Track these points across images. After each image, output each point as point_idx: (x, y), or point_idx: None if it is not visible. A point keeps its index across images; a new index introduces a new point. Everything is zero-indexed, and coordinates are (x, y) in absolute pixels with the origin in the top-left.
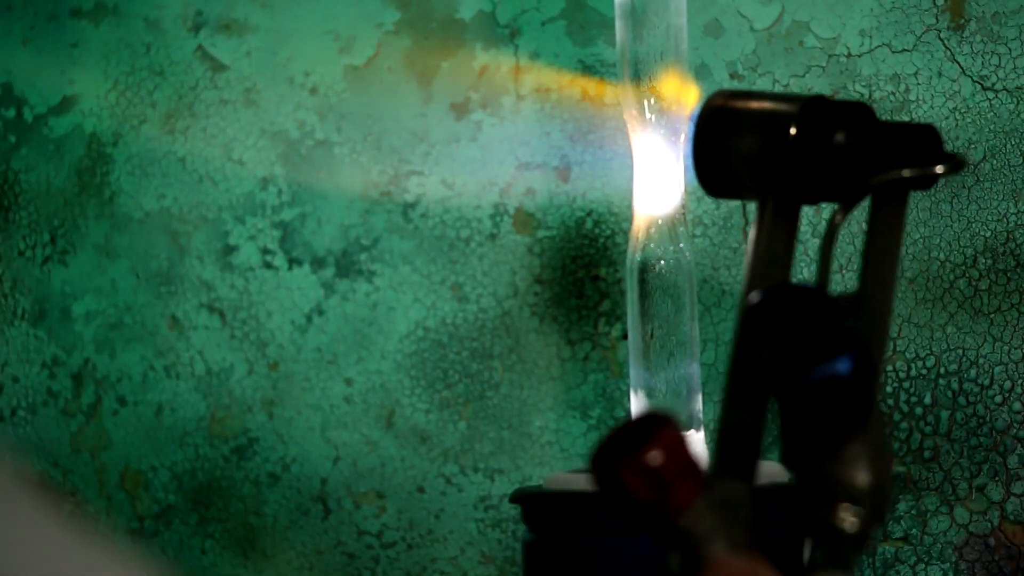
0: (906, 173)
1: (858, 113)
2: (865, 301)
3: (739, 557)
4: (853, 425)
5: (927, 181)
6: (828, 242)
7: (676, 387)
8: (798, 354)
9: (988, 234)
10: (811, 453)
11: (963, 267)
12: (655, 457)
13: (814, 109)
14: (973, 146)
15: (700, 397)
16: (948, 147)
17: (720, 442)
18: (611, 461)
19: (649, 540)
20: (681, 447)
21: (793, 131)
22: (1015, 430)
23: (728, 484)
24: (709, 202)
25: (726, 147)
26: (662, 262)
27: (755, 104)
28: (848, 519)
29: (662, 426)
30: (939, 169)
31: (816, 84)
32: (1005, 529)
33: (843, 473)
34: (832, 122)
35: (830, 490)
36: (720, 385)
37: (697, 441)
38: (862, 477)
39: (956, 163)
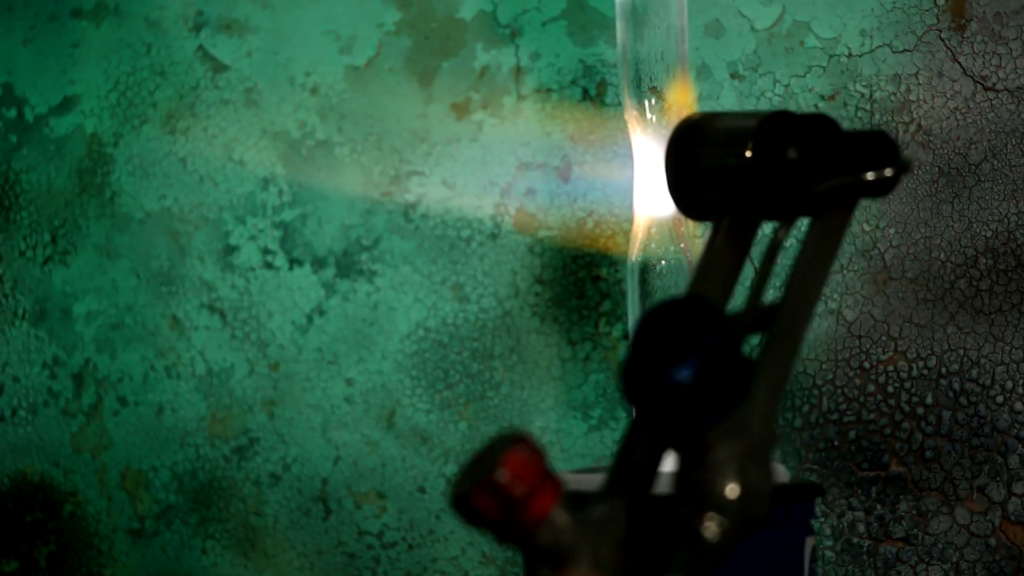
0: (837, 182)
1: (817, 127)
2: (783, 313)
3: (593, 573)
4: (692, 433)
5: (878, 188)
6: (768, 256)
7: None
8: (647, 364)
9: (989, 234)
10: (678, 460)
11: (964, 267)
12: (502, 476)
13: (771, 126)
14: (974, 146)
15: None
16: (903, 152)
17: (612, 460)
18: (462, 485)
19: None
20: (531, 465)
21: (748, 150)
22: (1016, 430)
23: (605, 502)
24: None
25: (692, 167)
26: (663, 262)
27: (720, 123)
28: (710, 528)
29: (511, 445)
30: (870, 176)
31: (817, 84)
32: (1006, 529)
33: (707, 480)
34: (786, 138)
35: (696, 497)
36: None
37: None
38: (729, 485)
39: (900, 168)
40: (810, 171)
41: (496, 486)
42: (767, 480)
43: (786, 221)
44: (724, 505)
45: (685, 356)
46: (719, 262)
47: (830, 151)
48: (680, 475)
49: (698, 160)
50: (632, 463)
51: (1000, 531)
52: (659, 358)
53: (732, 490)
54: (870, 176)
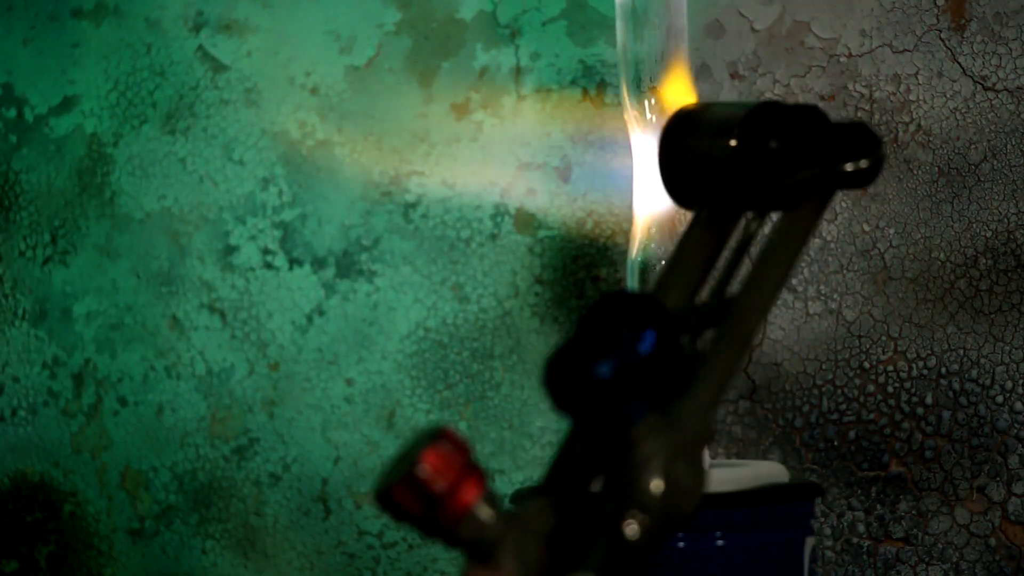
0: (807, 173)
1: (801, 117)
2: (735, 308)
3: (508, 566)
4: (614, 428)
5: (852, 180)
6: (738, 250)
7: None
8: (568, 359)
9: (989, 234)
10: (605, 455)
11: (964, 267)
12: (421, 471)
13: (758, 116)
14: (974, 146)
15: None
16: (883, 143)
17: (552, 456)
18: (385, 481)
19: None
20: (452, 460)
21: (733, 140)
22: (1016, 430)
23: (534, 499)
24: None
25: (682, 157)
26: (663, 262)
27: (710, 113)
28: (631, 526)
29: (432, 441)
30: (843, 167)
31: (816, 84)
32: (1006, 529)
33: (631, 476)
34: (760, 128)
35: (620, 493)
36: None
37: None
38: (653, 481)
39: (876, 160)
40: (783, 163)
41: (416, 481)
42: (696, 476)
43: (760, 214)
44: (647, 502)
45: (605, 350)
46: (691, 254)
47: (805, 142)
48: (606, 471)
49: (687, 150)
50: (569, 459)
51: (1000, 531)
52: (580, 353)
53: (656, 486)
54: (844, 168)
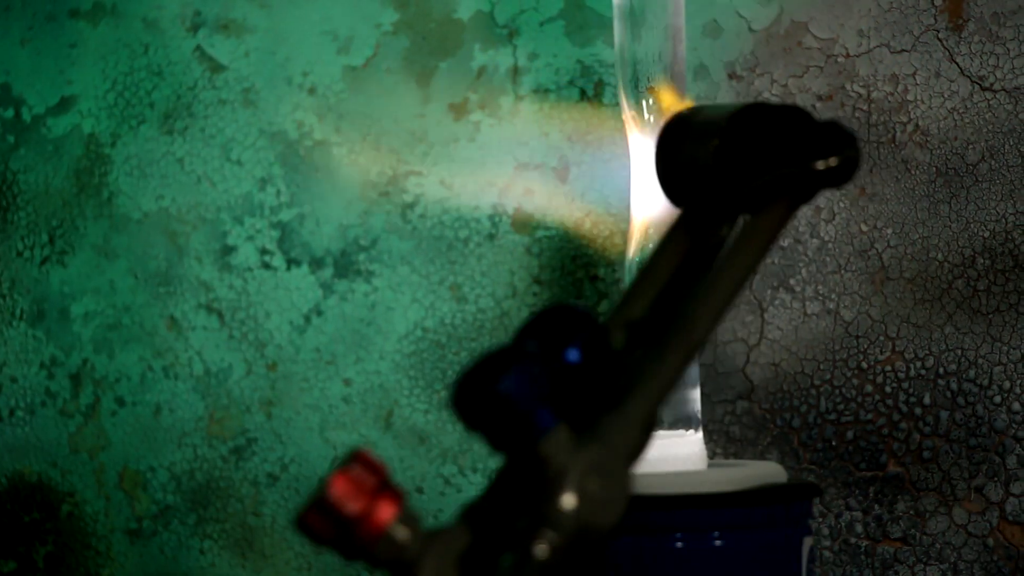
0: (772, 175)
1: (785, 119)
2: (680, 318)
3: None
4: (518, 443)
5: (824, 179)
6: (708, 254)
7: None
8: (476, 374)
9: (986, 234)
10: (518, 470)
11: (961, 267)
12: (331, 495)
13: (740, 119)
14: (971, 146)
15: (698, 397)
16: (858, 143)
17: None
18: (302, 507)
19: (650, 541)
20: (363, 482)
21: (715, 143)
22: (1014, 430)
23: (460, 516)
24: None
25: (674, 162)
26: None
27: (700, 116)
28: (540, 545)
29: (343, 465)
30: (819, 165)
31: (814, 84)
32: (1004, 529)
33: (544, 492)
34: (748, 131)
35: (531, 509)
36: (719, 385)
37: (695, 441)
38: (565, 498)
39: (845, 158)
40: (753, 164)
41: (327, 506)
42: (614, 491)
43: (731, 219)
44: (558, 518)
45: (507, 366)
46: (664, 260)
47: (777, 144)
48: (521, 486)
49: (677, 153)
50: (499, 478)
51: (998, 531)
52: (484, 370)
53: (567, 502)
54: (813, 166)
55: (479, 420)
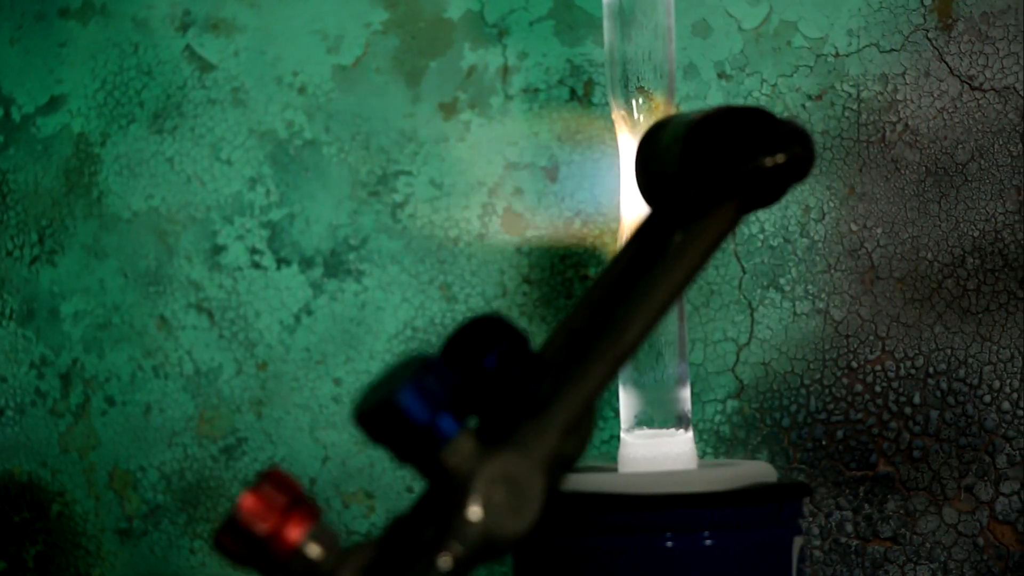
0: (713, 177)
1: (745, 122)
2: (608, 327)
3: None
4: (417, 454)
5: (770, 178)
6: (637, 265)
7: (664, 387)
8: (378, 387)
9: (976, 234)
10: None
11: (951, 267)
12: (241, 517)
13: (704, 125)
14: (961, 146)
15: (689, 397)
16: (810, 143)
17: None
18: (217, 529)
19: (640, 540)
20: (273, 501)
21: (678, 149)
22: (1004, 430)
23: (379, 537)
24: None
25: (645, 168)
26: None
27: (672, 123)
28: (444, 558)
29: (254, 484)
30: (766, 162)
31: (804, 84)
32: (994, 529)
33: (451, 503)
34: (707, 138)
35: (438, 518)
36: (709, 384)
37: (685, 441)
38: (470, 508)
39: (791, 157)
40: (705, 170)
41: (238, 526)
42: (524, 500)
43: (682, 226)
44: (463, 528)
45: (406, 378)
46: (613, 269)
47: (727, 148)
48: (428, 496)
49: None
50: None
51: (988, 530)
52: (388, 382)
53: (472, 512)
54: (759, 164)
55: (382, 434)
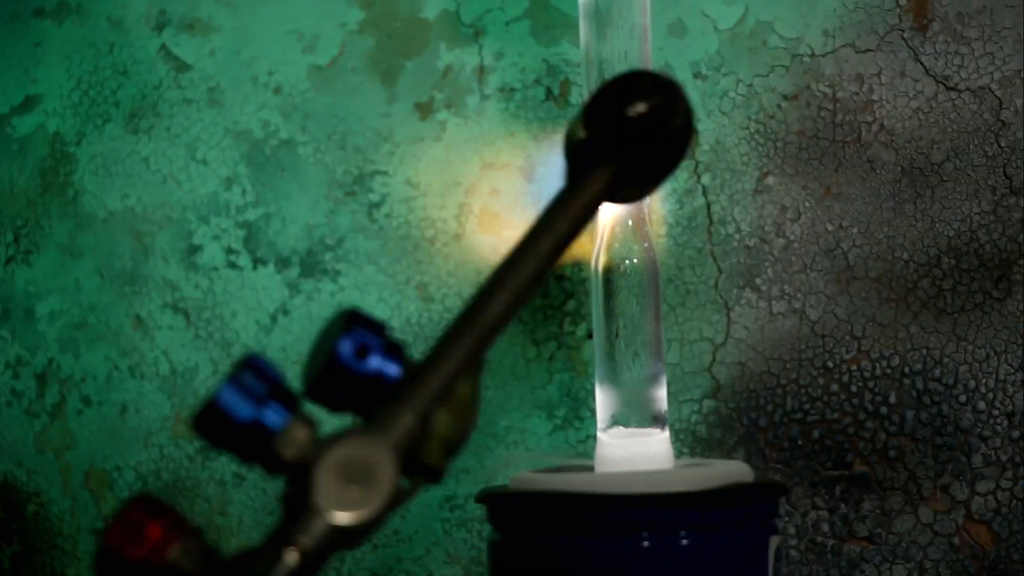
0: (579, 136)
1: (635, 84)
2: (464, 314)
3: None
4: (257, 455)
5: (639, 128)
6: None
7: (641, 386)
8: (209, 396)
9: (952, 234)
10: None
11: (927, 267)
12: (108, 543)
13: (603, 92)
14: (936, 146)
15: (665, 396)
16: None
17: None
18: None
19: (616, 540)
20: (138, 524)
21: (581, 119)
22: (979, 429)
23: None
24: (674, 202)
25: (565, 141)
26: (627, 262)
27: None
28: (291, 553)
29: (121, 511)
30: (628, 112)
31: (779, 84)
32: (969, 528)
33: (295, 496)
34: (608, 104)
35: (290, 514)
36: (685, 384)
37: (662, 441)
38: (314, 501)
39: (653, 105)
40: (592, 136)
41: (110, 553)
42: (373, 485)
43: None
44: (307, 519)
45: (226, 379)
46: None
47: (608, 111)
48: (284, 493)
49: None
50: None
51: (963, 530)
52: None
53: (315, 503)
54: (628, 113)
55: (216, 439)
